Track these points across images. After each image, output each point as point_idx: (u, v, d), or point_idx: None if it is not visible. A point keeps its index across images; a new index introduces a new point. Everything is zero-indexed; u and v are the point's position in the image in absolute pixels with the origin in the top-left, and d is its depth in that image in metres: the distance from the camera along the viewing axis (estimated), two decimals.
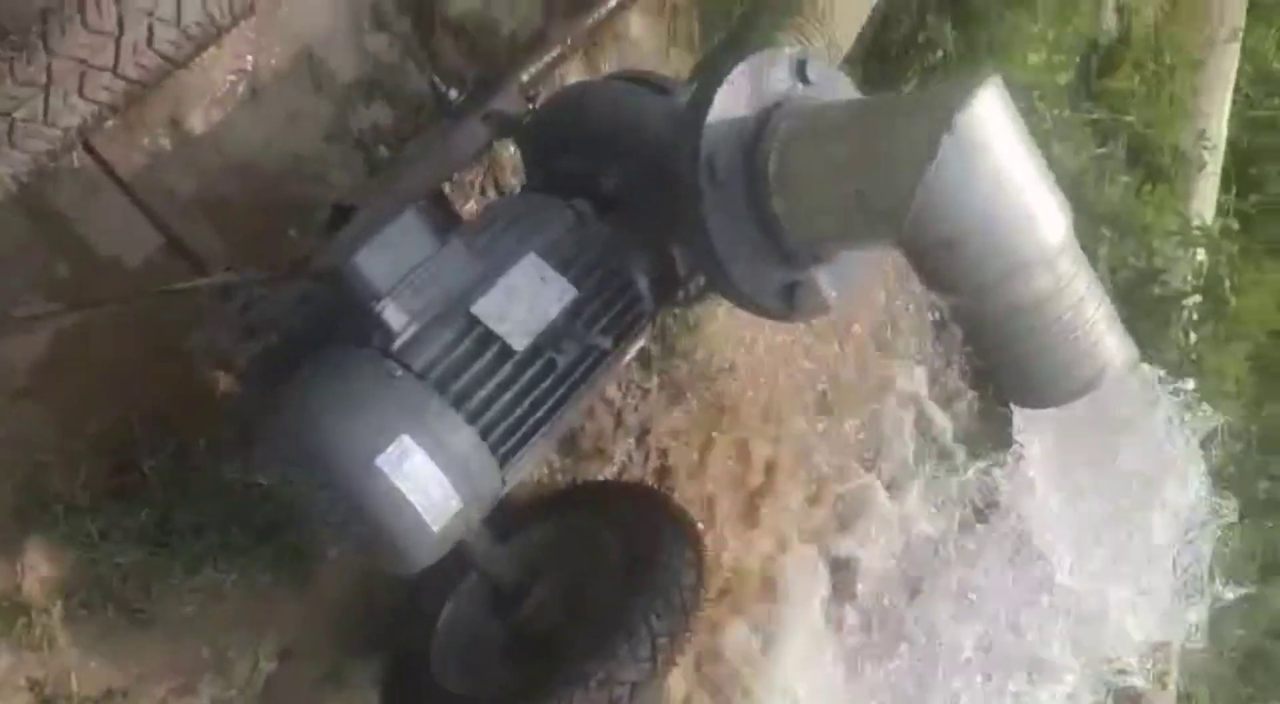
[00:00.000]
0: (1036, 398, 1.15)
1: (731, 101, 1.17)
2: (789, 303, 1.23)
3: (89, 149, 1.28)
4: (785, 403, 2.25)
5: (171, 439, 1.52)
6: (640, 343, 1.39)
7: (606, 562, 1.64)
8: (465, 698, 1.61)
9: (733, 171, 1.17)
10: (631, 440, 2.05)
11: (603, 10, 1.55)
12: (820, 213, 1.15)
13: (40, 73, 1.07)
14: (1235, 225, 3.24)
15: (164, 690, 1.55)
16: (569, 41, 1.56)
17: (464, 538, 1.45)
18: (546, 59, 1.55)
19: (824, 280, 1.26)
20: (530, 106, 1.50)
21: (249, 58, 1.63)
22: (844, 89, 1.24)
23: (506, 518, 1.66)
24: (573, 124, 1.39)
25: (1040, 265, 1.05)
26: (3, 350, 1.46)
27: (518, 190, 1.62)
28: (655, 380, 2.04)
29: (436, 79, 1.49)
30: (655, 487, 1.98)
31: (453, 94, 1.48)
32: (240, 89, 1.63)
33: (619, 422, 2.01)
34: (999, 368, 1.15)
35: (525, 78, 1.52)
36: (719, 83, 1.16)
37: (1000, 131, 1.02)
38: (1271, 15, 3.24)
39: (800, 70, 1.21)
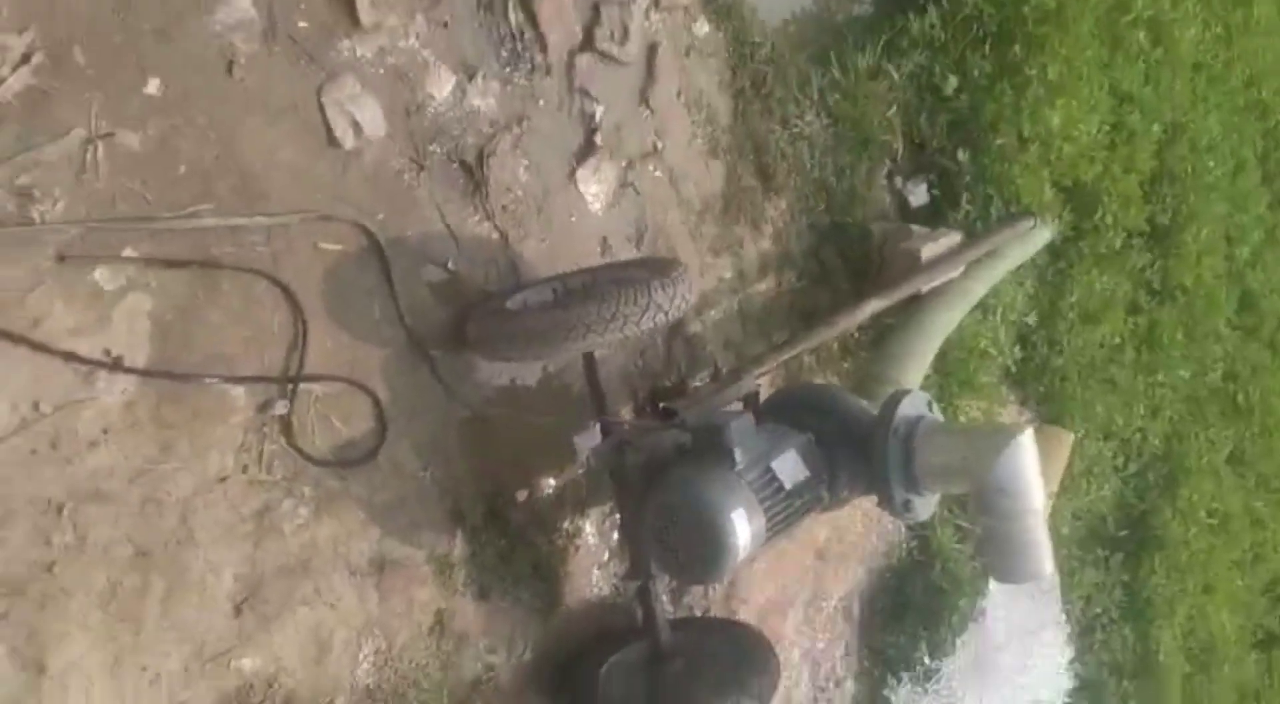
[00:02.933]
0: (1013, 577, 2.61)
1: (904, 408, 2.70)
2: (907, 510, 2.69)
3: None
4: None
5: (526, 505, 2.77)
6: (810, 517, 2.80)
7: (720, 664, 2.91)
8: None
9: (898, 442, 2.67)
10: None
11: (798, 348, 3.11)
12: (938, 470, 2.65)
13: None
14: None
15: (482, 640, 2.67)
16: (775, 363, 3.10)
17: (658, 611, 2.75)
18: (765, 369, 3.07)
19: (918, 504, 2.73)
20: (759, 383, 3.00)
21: None
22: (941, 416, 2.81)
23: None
24: (805, 396, 2.89)
25: (1034, 514, 2.57)
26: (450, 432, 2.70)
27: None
28: None
29: (719, 363, 2.99)
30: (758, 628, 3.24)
31: (724, 370, 2.97)
32: None
33: None
34: (998, 559, 2.62)
35: (758, 373, 3.03)
36: (902, 397, 2.70)
37: (1030, 447, 2.57)
38: None
39: (930, 404, 2.76)
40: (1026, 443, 2.58)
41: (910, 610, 4.18)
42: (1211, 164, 6.33)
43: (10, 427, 2.00)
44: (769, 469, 2.61)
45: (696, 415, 2.72)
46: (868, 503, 3.93)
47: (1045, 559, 2.60)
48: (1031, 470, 2.58)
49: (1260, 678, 7.11)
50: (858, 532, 4.03)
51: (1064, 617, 4.39)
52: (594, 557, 3.02)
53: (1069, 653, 4.30)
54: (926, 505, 2.77)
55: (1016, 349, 4.87)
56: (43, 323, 2.05)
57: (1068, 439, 5.15)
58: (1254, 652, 7.04)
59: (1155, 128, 5.77)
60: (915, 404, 2.75)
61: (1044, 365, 5.03)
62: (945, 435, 2.70)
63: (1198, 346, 6.38)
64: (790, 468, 2.64)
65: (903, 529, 4.20)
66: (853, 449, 2.75)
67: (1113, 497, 5.55)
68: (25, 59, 2.02)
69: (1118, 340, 5.58)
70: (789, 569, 3.70)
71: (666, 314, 2.53)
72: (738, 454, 2.58)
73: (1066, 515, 5.22)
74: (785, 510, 2.60)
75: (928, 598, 4.17)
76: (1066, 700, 4.31)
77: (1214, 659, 6.11)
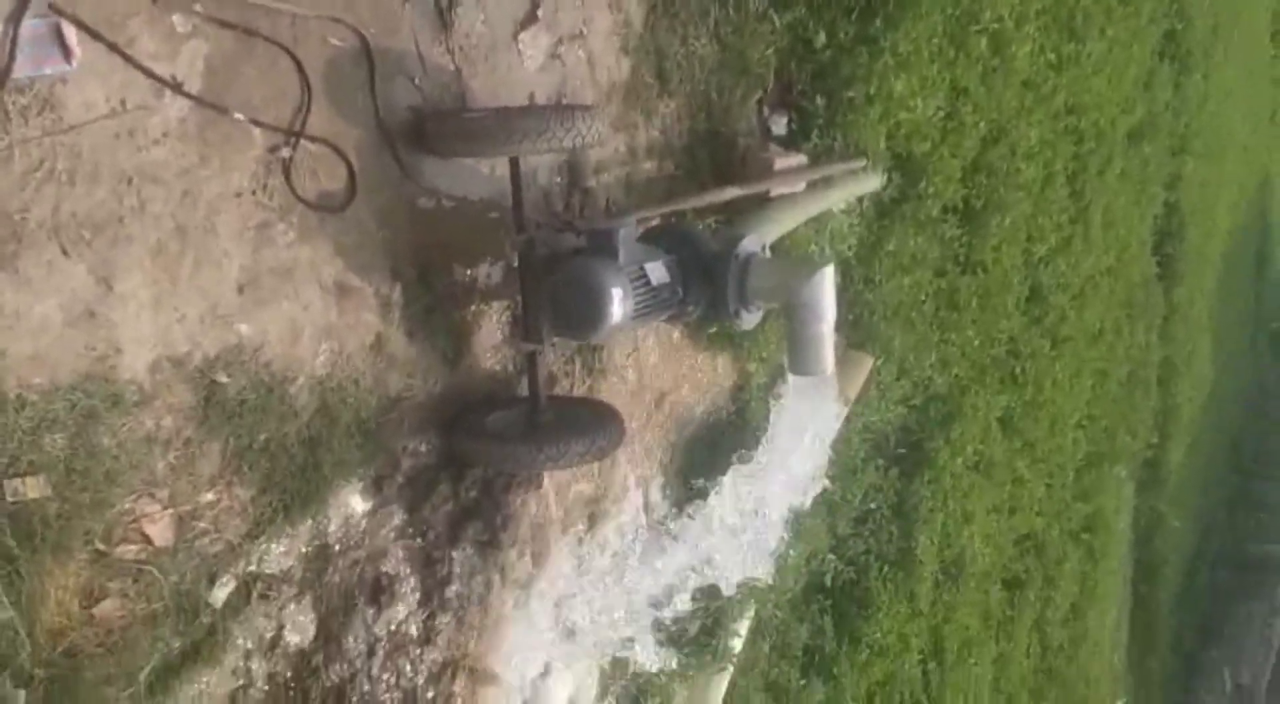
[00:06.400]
0: (806, 370, 3.59)
1: (744, 244, 3.64)
2: (738, 317, 3.63)
3: None
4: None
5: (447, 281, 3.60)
6: (667, 316, 3.70)
7: (582, 420, 3.79)
8: (499, 435, 3.62)
9: (737, 266, 3.61)
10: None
11: (670, 206, 4.02)
12: (764, 287, 3.60)
13: None
14: None
15: (406, 366, 3.48)
16: (651, 213, 4.00)
17: (541, 375, 3.62)
18: (643, 214, 3.97)
19: (745, 316, 3.68)
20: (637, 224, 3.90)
21: None
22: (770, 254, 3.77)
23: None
24: (673, 230, 3.80)
25: (826, 325, 3.54)
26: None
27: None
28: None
29: (610, 201, 3.87)
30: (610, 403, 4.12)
31: (613, 209, 3.87)
32: None
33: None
34: (797, 357, 3.60)
35: (638, 215, 3.93)
36: (743, 237, 3.64)
37: (829, 276, 3.55)
38: None
39: (764, 247, 3.71)
40: (828, 272, 3.55)
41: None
42: (1024, 167, 7.54)
43: (105, 111, 2.72)
44: (642, 269, 3.51)
45: (592, 224, 3.60)
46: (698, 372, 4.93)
47: (828, 360, 3.59)
48: (828, 294, 3.56)
49: (1002, 610, 8.42)
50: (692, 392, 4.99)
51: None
52: (491, 339, 3.86)
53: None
54: (752, 318, 3.71)
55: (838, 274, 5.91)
56: (135, 43, 2.77)
57: (867, 362, 6.22)
58: (1000, 586, 8.35)
59: (982, 125, 6.92)
60: (753, 243, 3.70)
61: (857, 297, 6.08)
62: (771, 263, 3.66)
63: (989, 319, 7.56)
64: (657, 272, 3.55)
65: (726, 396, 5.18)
66: (703, 271, 3.67)
67: (897, 420, 6.66)
68: None
69: (923, 296, 6.68)
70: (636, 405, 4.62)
71: (583, 137, 3.38)
72: (621, 253, 3.46)
73: (858, 426, 6.31)
74: (649, 301, 3.51)
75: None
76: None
77: (963, 574, 7.33)
